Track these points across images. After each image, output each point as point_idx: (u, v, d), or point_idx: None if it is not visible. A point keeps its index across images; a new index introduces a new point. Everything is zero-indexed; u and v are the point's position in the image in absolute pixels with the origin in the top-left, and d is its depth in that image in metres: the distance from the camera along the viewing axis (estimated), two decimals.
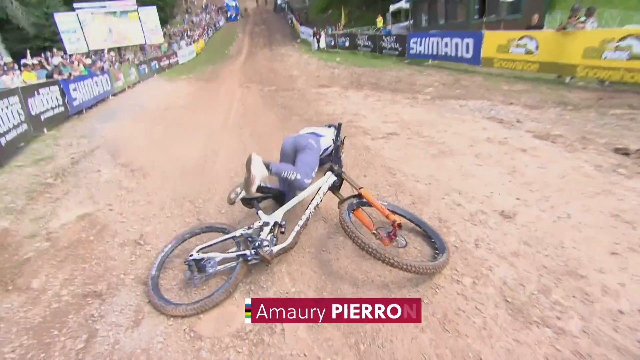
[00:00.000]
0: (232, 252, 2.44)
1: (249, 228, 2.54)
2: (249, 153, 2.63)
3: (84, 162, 5.43)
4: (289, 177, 2.68)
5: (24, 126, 6.60)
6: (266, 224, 2.53)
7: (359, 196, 2.61)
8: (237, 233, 2.53)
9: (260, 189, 2.76)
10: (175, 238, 2.70)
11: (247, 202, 2.80)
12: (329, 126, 3.66)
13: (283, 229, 2.55)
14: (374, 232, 2.40)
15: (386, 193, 3.44)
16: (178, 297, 2.34)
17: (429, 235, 2.58)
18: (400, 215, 2.63)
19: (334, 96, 7.87)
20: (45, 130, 7.54)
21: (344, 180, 2.79)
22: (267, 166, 2.68)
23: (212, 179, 4.20)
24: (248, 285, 2.39)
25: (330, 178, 2.78)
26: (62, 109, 8.58)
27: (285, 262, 2.57)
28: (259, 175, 2.62)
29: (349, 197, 2.63)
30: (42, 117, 7.52)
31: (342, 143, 3.08)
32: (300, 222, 2.55)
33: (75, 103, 9.42)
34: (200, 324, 2.13)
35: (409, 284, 2.24)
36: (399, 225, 2.37)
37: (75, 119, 9.14)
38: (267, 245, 2.38)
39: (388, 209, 2.54)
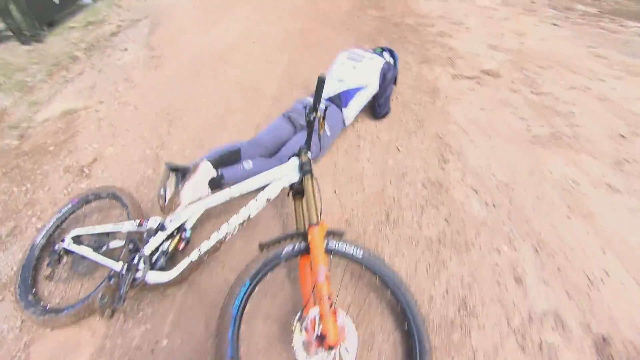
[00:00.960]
0: (108, 255, 1.68)
1: (139, 225, 1.69)
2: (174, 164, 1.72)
3: (122, 34, 4.90)
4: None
5: None
6: (162, 227, 1.64)
7: (304, 236, 1.47)
8: (124, 228, 1.72)
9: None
10: (78, 197, 2.02)
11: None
12: (382, 50, 2.66)
13: (185, 241, 1.64)
14: (299, 321, 1.32)
15: (413, 208, 2.09)
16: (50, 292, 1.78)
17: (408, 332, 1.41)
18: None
19: None
20: None
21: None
22: (216, 181, 1.77)
23: (224, 90, 3.25)
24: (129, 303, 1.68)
25: (290, 171, 1.65)
26: None
27: (189, 290, 1.74)
28: (191, 198, 1.64)
29: (283, 238, 1.49)
30: None
31: (324, 117, 1.70)
32: (204, 246, 1.59)
33: None
34: (41, 341, 1.58)
35: None
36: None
37: None
38: (142, 269, 1.54)
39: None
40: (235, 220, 1.60)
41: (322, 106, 2.29)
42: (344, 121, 2.39)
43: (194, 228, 1.77)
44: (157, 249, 1.63)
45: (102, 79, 3.79)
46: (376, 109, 2.57)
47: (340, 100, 2.38)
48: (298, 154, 1.67)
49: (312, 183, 1.58)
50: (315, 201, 1.52)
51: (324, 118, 1.66)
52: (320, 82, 1.46)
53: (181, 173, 1.94)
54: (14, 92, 3.65)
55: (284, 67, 3.50)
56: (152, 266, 1.57)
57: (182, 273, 1.56)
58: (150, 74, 3.76)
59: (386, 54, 2.68)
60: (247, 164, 1.94)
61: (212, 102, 3.12)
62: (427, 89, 2.96)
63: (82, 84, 3.73)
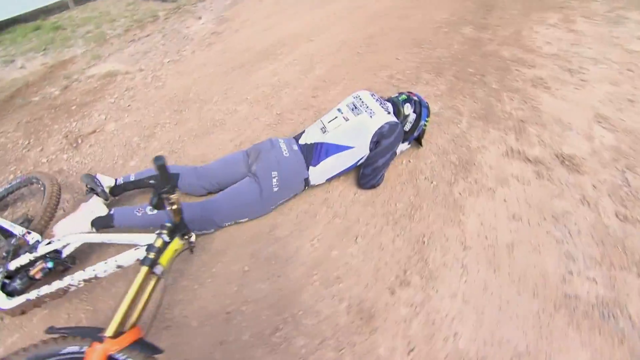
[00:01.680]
0: None
1: (25, 234, 1.61)
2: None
3: (208, 1, 4.97)
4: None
5: None
6: (34, 247, 1.53)
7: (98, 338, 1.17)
8: (15, 230, 1.66)
9: None
10: (25, 176, 2.03)
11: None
12: (406, 99, 2.09)
13: (44, 270, 1.51)
14: None
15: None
16: None
17: None
18: None
19: None
20: None
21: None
22: (103, 220, 1.63)
23: (248, 95, 3.04)
24: None
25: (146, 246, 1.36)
26: None
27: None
28: (64, 233, 1.55)
29: (77, 332, 1.20)
30: None
31: (169, 195, 1.26)
32: (44, 289, 1.43)
33: None
34: None
35: None
36: None
37: None
38: None
39: None
40: (79, 276, 1.39)
41: (284, 153, 1.87)
42: (306, 181, 1.92)
43: (72, 257, 1.61)
44: (22, 267, 1.53)
45: (159, 45, 3.88)
46: (359, 176, 2.02)
47: (312, 154, 1.91)
48: (159, 231, 1.33)
49: (152, 285, 1.24)
50: (141, 302, 1.20)
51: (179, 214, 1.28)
52: (160, 168, 1.08)
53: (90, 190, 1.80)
54: (92, 42, 3.99)
55: (319, 87, 3.05)
56: (3, 286, 1.48)
57: (19, 306, 1.44)
58: (199, 52, 3.70)
59: (407, 107, 2.04)
60: (151, 208, 1.68)
61: (232, 102, 2.89)
62: (457, 160, 2.21)
63: (142, 46, 3.88)
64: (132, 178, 1.94)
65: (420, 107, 2.06)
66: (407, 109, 2.02)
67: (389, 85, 2.92)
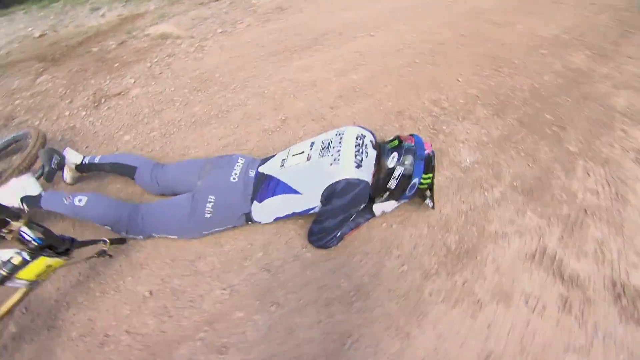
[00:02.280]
0: None
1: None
2: None
3: None
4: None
5: None
6: None
7: None
8: None
9: None
10: (28, 129, 2.10)
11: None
12: (397, 146, 1.56)
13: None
14: None
15: None
16: None
17: None
18: None
19: None
20: None
21: None
22: (32, 200, 1.60)
23: (280, 88, 2.81)
24: None
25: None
26: None
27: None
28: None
29: None
30: None
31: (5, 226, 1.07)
32: None
33: None
34: None
35: None
36: None
37: None
38: None
39: None
40: None
41: (233, 177, 1.60)
42: (247, 216, 1.63)
43: None
44: None
45: (222, 13, 3.80)
46: (308, 230, 1.64)
47: (261, 187, 1.59)
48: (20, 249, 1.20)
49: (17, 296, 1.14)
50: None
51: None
52: None
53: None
54: (170, 7, 4.09)
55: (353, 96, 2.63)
56: None
57: None
58: (253, 28, 3.52)
59: (393, 157, 1.53)
60: (82, 199, 1.59)
61: (247, 93, 2.68)
62: (455, 244, 1.63)
63: (206, 11, 3.85)
64: (96, 160, 1.89)
65: (413, 159, 1.53)
66: (392, 161, 1.52)
67: (426, 113, 2.34)
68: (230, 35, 3.41)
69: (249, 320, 1.43)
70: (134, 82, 2.88)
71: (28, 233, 1.20)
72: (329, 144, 1.58)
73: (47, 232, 1.21)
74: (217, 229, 1.67)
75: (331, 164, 1.47)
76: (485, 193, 1.85)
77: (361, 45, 3.09)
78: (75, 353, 1.36)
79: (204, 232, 1.67)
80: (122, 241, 1.64)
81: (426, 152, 1.53)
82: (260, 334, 1.40)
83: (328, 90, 2.59)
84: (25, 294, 1.30)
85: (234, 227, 1.70)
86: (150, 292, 1.54)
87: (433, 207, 1.69)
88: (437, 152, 2.02)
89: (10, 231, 1.10)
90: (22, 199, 1.60)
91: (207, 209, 1.57)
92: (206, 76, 2.87)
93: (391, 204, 1.67)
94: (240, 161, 1.69)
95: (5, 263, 1.17)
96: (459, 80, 2.63)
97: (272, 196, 1.56)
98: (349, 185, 1.43)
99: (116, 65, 3.10)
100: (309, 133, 2.24)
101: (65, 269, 1.56)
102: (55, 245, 1.26)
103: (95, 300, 1.52)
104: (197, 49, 3.24)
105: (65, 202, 1.59)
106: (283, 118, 2.38)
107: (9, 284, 1.21)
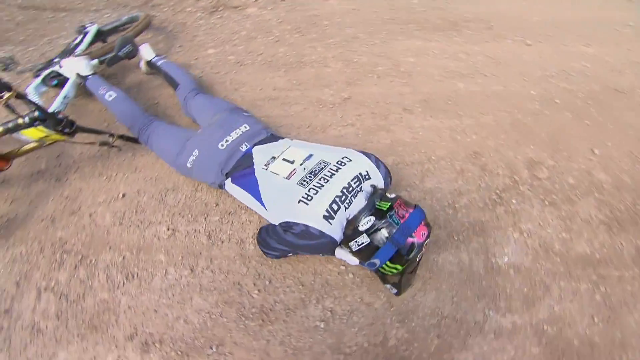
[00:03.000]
0: None
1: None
2: None
3: None
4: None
5: None
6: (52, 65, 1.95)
7: None
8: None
9: None
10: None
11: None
12: (373, 210, 1.24)
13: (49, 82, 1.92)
14: None
15: None
16: None
17: None
18: None
19: None
20: None
21: None
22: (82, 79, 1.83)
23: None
24: None
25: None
26: None
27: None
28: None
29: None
30: None
31: None
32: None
33: None
34: None
35: None
36: None
37: None
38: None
39: None
40: None
41: (222, 144, 1.53)
42: (220, 186, 1.56)
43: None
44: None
45: None
46: (260, 229, 1.50)
47: (239, 167, 1.49)
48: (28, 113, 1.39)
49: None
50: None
51: None
52: None
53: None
54: None
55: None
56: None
57: None
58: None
59: (367, 222, 1.20)
60: (112, 95, 1.78)
61: (348, 54, 2.45)
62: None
63: None
64: (158, 63, 2.05)
65: (385, 239, 1.18)
66: (364, 224, 1.20)
67: (507, 172, 1.75)
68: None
69: (165, 266, 1.46)
70: (255, 0, 2.90)
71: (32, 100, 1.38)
72: (321, 168, 1.33)
73: (40, 108, 1.37)
74: (195, 179, 1.67)
75: (300, 201, 1.24)
76: (491, 313, 1.36)
77: (504, 51, 2.39)
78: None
79: (187, 175, 1.69)
80: (135, 140, 1.79)
81: (408, 241, 1.15)
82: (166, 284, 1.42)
83: (417, 88, 2.15)
84: (36, 147, 1.56)
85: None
86: (124, 195, 1.69)
87: (397, 294, 1.33)
88: (476, 225, 1.54)
89: (1, 97, 1.28)
90: (77, 74, 1.86)
91: (189, 159, 1.56)
92: (316, 19, 2.69)
93: (353, 260, 1.37)
94: (243, 129, 1.58)
95: (12, 120, 1.41)
96: (593, 152, 1.84)
97: (242, 188, 1.44)
98: (306, 233, 1.20)
99: (199, 34, 3.12)
100: (356, 125, 1.95)
101: (79, 145, 1.77)
102: (51, 121, 1.43)
103: (86, 177, 1.73)
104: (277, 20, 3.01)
105: (101, 91, 1.79)
106: (346, 97, 2.11)
107: (21, 137, 1.47)
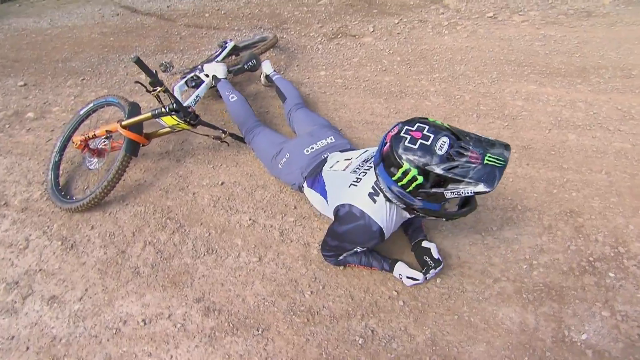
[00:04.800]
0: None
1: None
2: None
3: None
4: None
5: None
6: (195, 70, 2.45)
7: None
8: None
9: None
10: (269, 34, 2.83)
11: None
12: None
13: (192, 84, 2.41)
14: None
15: None
16: None
17: None
18: None
19: None
20: None
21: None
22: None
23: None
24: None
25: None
26: None
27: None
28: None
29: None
30: None
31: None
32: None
33: None
34: None
35: None
36: None
37: None
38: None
39: None
40: None
41: (310, 150, 1.72)
42: (301, 189, 1.74)
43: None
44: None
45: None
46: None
47: (314, 173, 1.64)
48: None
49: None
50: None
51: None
52: (138, 62, 1.49)
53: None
54: None
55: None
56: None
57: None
58: (530, 25, 2.95)
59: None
60: (233, 97, 2.13)
61: (449, 95, 2.48)
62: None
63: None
64: (274, 77, 2.38)
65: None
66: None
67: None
68: (495, 25, 2.97)
69: (239, 249, 1.67)
70: (373, 30, 3.11)
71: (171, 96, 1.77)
72: (373, 156, 1.36)
73: (177, 102, 1.74)
74: (282, 181, 1.87)
75: (351, 184, 1.32)
76: None
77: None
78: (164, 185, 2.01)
79: (276, 175, 1.91)
80: (242, 140, 2.11)
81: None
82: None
83: (518, 133, 2.03)
84: (168, 132, 1.98)
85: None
86: (222, 183, 1.99)
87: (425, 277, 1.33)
88: (554, 288, 1.38)
89: (154, 90, 1.67)
90: (213, 77, 2.27)
91: (281, 161, 1.77)
92: (427, 54, 2.75)
93: (414, 274, 1.37)
94: (329, 140, 1.73)
95: (158, 108, 1.82)
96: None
97: (313, 190, 1.57)
98: (349, 214, 1.27)
99: (375, 11, 3.37)
100: None
101: (199, 137, 2.15)
102: (183, 112, 1.80)
103: (198, 163, 2.09)
104: (450, 25, 3.05)
105: (227, 92, 2.15)
106: (478, 116, 2.11)
107: (161, 122, 1.89)
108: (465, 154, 0.98)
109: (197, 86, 2.30)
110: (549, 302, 1.36)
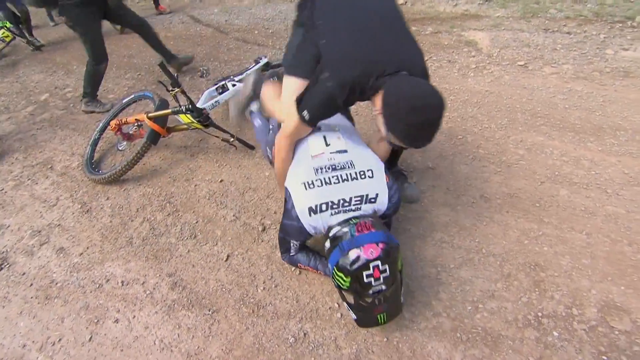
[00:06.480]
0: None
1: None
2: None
3: None
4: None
5: None
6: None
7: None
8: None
9: None
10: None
11: None
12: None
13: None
14: None
15: None
16: None
17: None
18: None
19: None
20: None
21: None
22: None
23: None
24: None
25: None
26: None
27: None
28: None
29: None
30: None
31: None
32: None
33: None
34: None
35: None
36: None
37: None
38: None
39: None
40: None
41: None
42: None
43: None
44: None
45: (560, 45, 3.27)
46: None
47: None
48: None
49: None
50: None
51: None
52: (161, 66, 1.78)
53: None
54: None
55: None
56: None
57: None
58: (561, 76, 2.92)
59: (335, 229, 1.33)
60: (259, 123, 2.15)
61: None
62: None
63: (537, 38, 3.42)
64: None
65: (337, 244, 1.29)
66: (332, 232, 1.34)
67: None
68: (523, 73, 2.98)
69: (217, 240, 1.88)
70: (447, 62, 3.24)
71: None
72: (342, 167, 1.41)
73: (192, 103, 2.03)
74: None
75: (304, 183, 1.41)
76: None
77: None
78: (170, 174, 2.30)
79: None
80: (250, 146, 2.35)
81: (353, 251, 1.22)
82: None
83: (508, 181, 2.04)
84: (185, 129, 2.28)
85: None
86: (222, 181, 2.23)
87: (356, 322, 1.38)
88: (491, 335, 1.40)
89: (172, 90, 1.97)
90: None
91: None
92: (443, 93, 2.82)
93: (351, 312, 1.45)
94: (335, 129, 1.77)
95: (177, 107, 2.13)
96: None
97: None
98: (290, 211, 1.40)
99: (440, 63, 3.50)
100: (426, 194, 2.01)
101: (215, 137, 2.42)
102: (196, 113, 2.09)
103: (206, 159, 2.36)
104: (478, 68, 3.11)
105: (254, 119, 2.34)
106: (430, 166, 2.19)
107: (178, 119, 2.20)
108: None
109: (222, 93, 2.60)
110: (481, 346, 1.38)
